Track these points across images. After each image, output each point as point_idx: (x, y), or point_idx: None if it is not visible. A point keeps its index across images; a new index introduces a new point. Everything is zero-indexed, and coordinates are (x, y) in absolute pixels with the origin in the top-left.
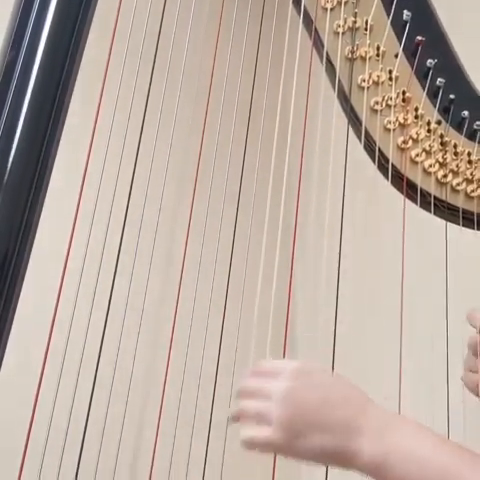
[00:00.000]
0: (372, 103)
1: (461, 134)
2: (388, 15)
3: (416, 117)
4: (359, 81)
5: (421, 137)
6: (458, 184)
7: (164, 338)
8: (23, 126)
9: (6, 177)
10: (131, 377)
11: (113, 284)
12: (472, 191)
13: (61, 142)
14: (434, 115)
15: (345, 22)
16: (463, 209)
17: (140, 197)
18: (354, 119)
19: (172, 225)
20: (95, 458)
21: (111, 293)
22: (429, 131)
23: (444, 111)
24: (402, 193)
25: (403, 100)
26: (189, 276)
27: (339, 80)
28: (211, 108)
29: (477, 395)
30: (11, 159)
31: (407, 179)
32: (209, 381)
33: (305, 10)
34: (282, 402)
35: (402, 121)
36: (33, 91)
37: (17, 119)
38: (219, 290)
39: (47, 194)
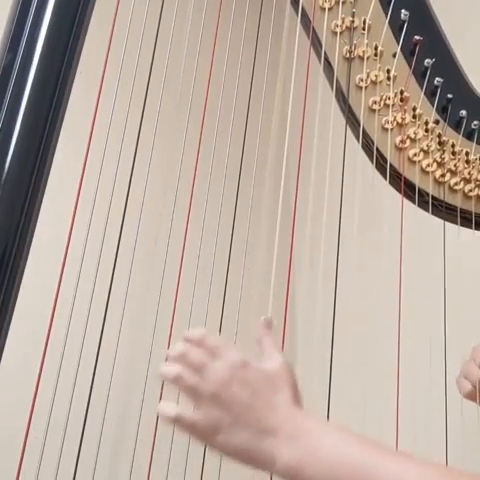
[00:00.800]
0: (370, 103)
1: (459, 134)
2: (386, 15)
3: (414, 117)
4: (357, 81)
5: (419, 137)
6: (456, 184)
7: (163, 330)
8: (21, 128)
9: (4, 178)
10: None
11: (113, 276)
12: (470, 191)
13: (59, 142)
14: (432, 115)
15: (343, 22)
16: (461, 208)
17: (140, 187)
18: (352, 119)
19: (169, 221)
20: (94, 451)
21: (111, 286)
22: (427, 131)
23: (442, 110)
24: (400, 192)
25: (401, 100)
26: (189, 274)
27: (337, 80)
28: (209, 107)
29: (470, 398)
30: (9, 160)
31: (405, 179)
32: None
33: (303, 10)
34: (216, 390)
35: (400, 121)
36: (30, 93)
37: (15, 121)
38: (218, 287)
39: (46, 194)
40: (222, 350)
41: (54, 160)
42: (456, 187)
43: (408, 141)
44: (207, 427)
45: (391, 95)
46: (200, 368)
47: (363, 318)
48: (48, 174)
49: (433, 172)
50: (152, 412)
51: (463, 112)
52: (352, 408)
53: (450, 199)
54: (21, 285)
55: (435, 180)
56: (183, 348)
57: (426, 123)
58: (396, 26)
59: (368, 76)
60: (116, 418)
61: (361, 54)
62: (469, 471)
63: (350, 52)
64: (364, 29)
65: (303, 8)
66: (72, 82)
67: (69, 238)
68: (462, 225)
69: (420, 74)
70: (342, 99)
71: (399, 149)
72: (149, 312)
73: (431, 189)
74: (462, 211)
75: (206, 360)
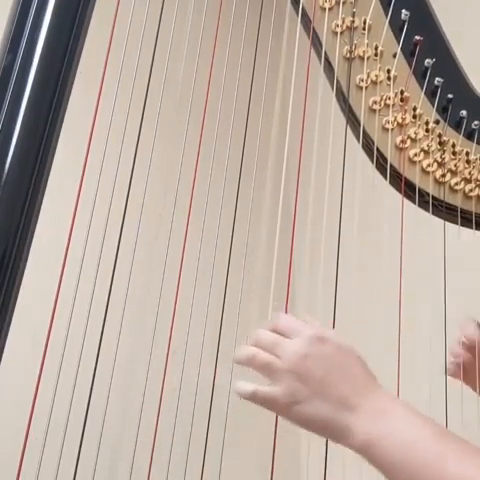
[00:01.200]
0: (370, 103)
1: (459, 134)
2: (386, 15)
3: (414, 117)
4: (357, 81)
5: (419, 137)
6: (456, 184)
7: (164, 328)
8: (21, 129)
9: (4, 179)
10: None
11: (112, 278)
12: (470, 191)
13: (59, 143)
14: (432, 115)
15: (343, 22)
16: (461, 209)
17: (140, 189)
18: (352, 118)
19: (169, 223)
20: (94, 453)
21: (111, 287)
22: (427, 131)
23: (442, 111)
24: (400, 193)
25: (401, 100)
26: (189, 275)
27: (337, 80)
28: (209, 108)
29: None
30: (9, 161)
31: (405, 179)
32: (209, 370)
33: (303, 10)
34: (293, 364)
35: (400, 121)
36: (30, 94)
37: (15, 122)
38: (218, 288)
39: (46, 195)
40: (296, 327)
41: (54, 161)
42: (456, 187)
43: (408, 141)
44: (285, 399)
45: (391, 95)
46: (275, 346)
47: (363, 319)
48: (48, 175)
49: (433, 172)
50: (152, 414)
51: (463, 112)
52: None
53: (450, 199)
54: (21, 286)
55: (435, 180)
56: (266, 336)
57: (426, 123)
58: (396, 26)
59: (368, 76)
60: (116, 419)
61: (361, 54)
62: None
63: (350, 52)
64: (364, 29)
65: (303, 8)
66: (72, 83)
67: (69, 239)
68: (462, 225)
69: (420, 74)
70: (342, 99)
71: (399, 149)
72: (149, 314)
73: (431, 189)
74: (462, 211)
75: (280, 339)
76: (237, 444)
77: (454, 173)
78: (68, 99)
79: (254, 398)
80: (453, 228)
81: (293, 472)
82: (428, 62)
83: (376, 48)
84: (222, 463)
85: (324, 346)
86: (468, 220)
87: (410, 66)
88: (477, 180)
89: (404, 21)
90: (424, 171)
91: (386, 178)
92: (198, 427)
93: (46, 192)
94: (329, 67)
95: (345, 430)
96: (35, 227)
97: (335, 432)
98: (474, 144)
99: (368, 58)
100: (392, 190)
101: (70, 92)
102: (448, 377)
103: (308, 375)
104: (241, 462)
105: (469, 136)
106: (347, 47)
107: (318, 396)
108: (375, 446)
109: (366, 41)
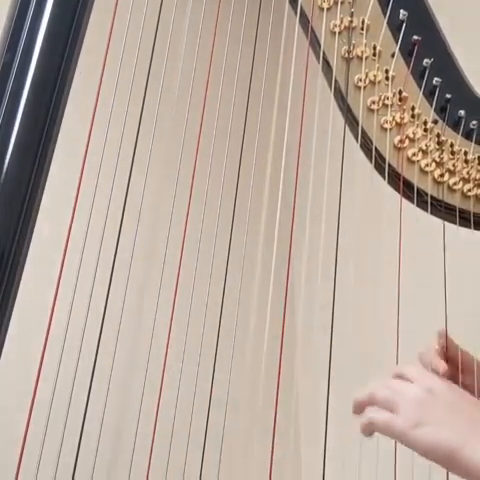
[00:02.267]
0: (369, 102)
1: (458, 133)
2: (384, 15)
3: (413, 116)
4: (356, 81)
5: (418, 136)
6: (455, 183)
7: (163, 325)
8: (20, 127)
9: (3, 177)
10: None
11: (111, 275)
12: (468, 190)
13: (58, 141)
14: (430, 114)
15: (341, 22)
16: (460, 208)
17: (140, 174)
18: (351, 118)
19: (167, 229)
20: (93, 450)
21: (109, 285)
22: (426, 130)
23: (441, 110)
24: (399, 192)
25: (400, 99)
26: (188, 273)
27: (336, 80)
28: (207, 106)
29: None
30: (8, 158)
31: (404, 178)
32: (209, 369)
33: (301, 10)
34: (415, 397)
35: (399, 120)
36: (29, 92)
37: (14, 120)
38: (217, 287)
39: (45, 191)
40: (424, 376)
41: (53, 158)
42: (455, 187)
43: (407, 141)
44: (405, 423)
45: (390, 95)
46: (401, 391)
47: (362, 318)
48: (47, 172)
49: (432, 172)
50: (152, 411)
51: (462, 112)
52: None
53: (449, 199)
54: (20, 283)
55: (434, 180)
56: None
57: (425, 123)
58: (395, 26)
59: (367, 76)
60: (116, 417)
61: (360, 54)
62: None
63: (349, 52)
64: (363, 29)
65: (302, 8)
66: (71, 80)
67: (68, 235)
68: (461, 225)
69: (419, 74)
70: (341, 99)
71: (398, 149)
72: (147, 318)
73: (430, 189)
74: (461, 211)
75: (402, 382)
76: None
77: (452, 173)
78: (67, 97)
79: (373, 426)
80: (452, 228)
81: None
82: (426, 62)
83: (374, 48)
84: (220, 461)
85: (450, 386)
86: (466, 220)
87: (408, 66)
88: (475, 180)
89: (402, 21)
90: (422, 171)
91: (384, 178)
92: (198, 419)
93: (45, 189)
94: (327, 67)
95: (471, 452)
96: (34, 224)
97: (456, 454)
98: (472, 144)
99: (366, 58)
100: (390, 190)
101: (69, 89)
102: None
103: (430, 405)
104: (239, 459)
105: (467, 136)
106: (345, 47)
107: (442, 422)
108: None
109: (364, 41)
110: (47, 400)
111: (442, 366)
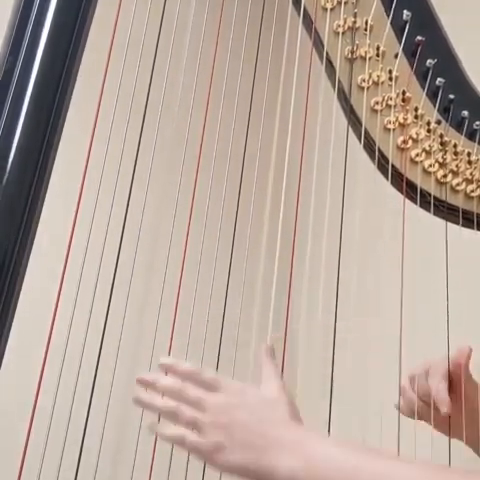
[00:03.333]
0: (372, 103)
1: (461, 134)
2: (388, 15)
3: (416, 117)
4: (359, 81)
5: (421, 137)
6: (458, 184)
7: (163, 344)
8: (22, 132)
9: (5, 182)
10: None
11: (111, 291)
12: (472, 191)
13: (60, 145)
14: (434, 115)
15: (345, 22)
16: (463, 209)
17: (140, 196)
18: (354, 119)
19: (168, 239)
20: (95, 456)
21: (109, 301)
22: (429, 131)
23: (444, 111)
24: (402, 193)
25: (403, 100)
26: (190, 278)
27: (339, 80)
28: (210, 109)
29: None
30: (10, 164)
31: (407, 179)
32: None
33: (305, 10)
34: (215, 417)
35: (402, 121)
36: (31, 96)
37: (16, 125)
38: (218, 293)
39: (46, 199)
40: (219, 382)
41: (55, 165)
42: (458, 188)
43: (410, 141)
44: (208, 449)
45: (393, 96)
46: (198, 402)
47: (364, 317)
48: (49, 177)
49: (435, 172)
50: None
51: (465, 113)
52: (353, 418)
53: (452, 200)
54: (21, 292)
55: (437, 180)
56: (175, 384)
57: (428, 123)
58: (398, 27)
59: (370, 76)
60: (116, 435)
61: (363, 54)
62: (461, 468)
63: (352, 52)
64: (366, 29)
65: (305, 8)
66: (73, 86)
67: (70, 244)
68: (464, 226)
69: (422, 75)
70: (344, 99)
71: (401, 149)
72: (147, 336)
73: (433, 189)
74: (464, 212)
75: (203, 394)
76: None
77: (456, 173)
78: (69, 102)
79: (182, 444)
80: (454, 228)
81: None
82: (430, 62)
83: (378, 48)
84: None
85: (245, 397)
86: (469, 220)
87: (412, 66)
88: (478, 181)
89: (406, 21)
90: (426, 171)
91: (387, 178)
92: None
93: (47, 197)
94: (331, 67)
95: (269, 469)
96: (35, 233)
97: (260, 474)
98: (476, 145)
99: (370, 58)
100: (393, 190)
101: (71, 95)
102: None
103: (229, 425)
104: None
105: (471, 137)
106: (349, 47)
107: (239, 444)
108: (298, 476)
109: (368, 41)
110: (47, 415)
111: (446, 405)
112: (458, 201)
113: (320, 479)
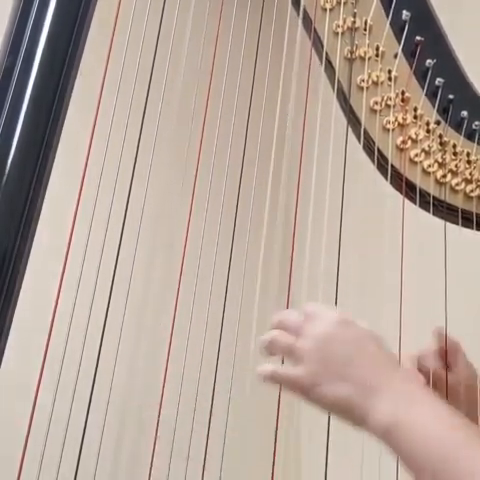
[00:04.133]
0: (371, 103)
1: (460, 134)
2: (387, 15)
3: (415, 117)
4: (358, 81)
5: (420, 137)
6: (457, 184)
7: (163, 332)
8: (21, 131)
9: (4, 182)
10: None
11: (111, 288)
12: (471, 191)
13: (59, 145)
14: (433, 115)
15: (344, 22)
16: (462, 209)
17: (140, 194)
18: (353, 119)
19: (171, 228)
20: (95, 455)
21: (111, 290)
22: (428, 131)
23: (443, 111)
24: (401, 193)
25: (402, 100)
26: (188, 279)
27: (338, 80)
28: (210, 108)
29: None
30: (9, 163)
31: (406, 179)
32: (209, 380)
33: (304, 10)
34: (315, 346)
35: (401, 121)
36: (31, 96)
37: (15, 124)
38: (218, 290)
39: (45, 198)
40: (319, 311)
41: (54, 163)
42: (457, 188)
43: (409, 142)
44: (306, 380)
45: (392, 96)
46: (297, 329)
47: (364, 318)
48: (49, 177)
49: (434, 173)
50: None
51: (464, 113)
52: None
53: (451, 200)
54: (21, 290)
55: (436, 181)
56: (290, 318)
57: (427, 124)
58: (397, 27)
59: (369, 77)
60: (115, 437)
61: (362, 55)
62: None
63: (351, 53)
64: (365, 30)
65: (304, 9)
66: (73, 85)
67: (69, 243)
68: (463, 226)
69: (421, 75)
70: (343, 99)
71: (400, 150)
72: (147, 333)
73: (432, 190)
74: (463, 212)
75: (303, 323)
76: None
77: (455, 174)
78: (69, 101)
79: (274, 378)
80: (454, 228)
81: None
82: (429, 63)
83: (377, 49)
84: (222, 461)
85: (347, 330)
86: (469, 220)
87: (411, 67)
88: (478, 181)
89: (405, 21)
90: (425, 171)
91: (387, 178)
92: (199, 422)
93: (46, 195)
94: (330, 67)
95: (367, 412)
96: (35, 231)
97: (357, 414)
98: (475, 145)
99: (369, 59)
100: (393, 190)
101: (71, 94)
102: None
103: (331, 357)
104: (241, 460)
105: (470, 137)
106: (348, 48)
107: (340, 378)
108: (397, 430)
109: (367, 42)
110: (47, 413)
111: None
112: (457, 201)
113: (411, 443)
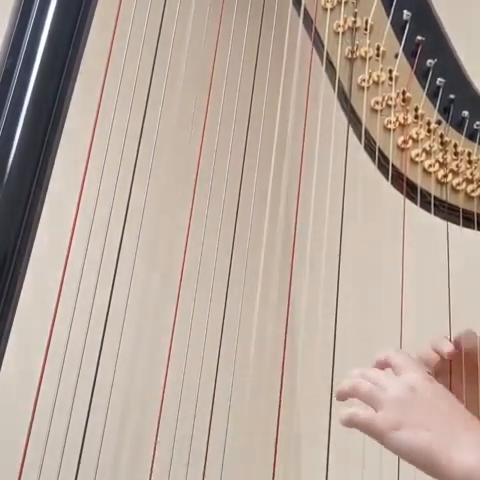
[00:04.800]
0: (372, 103)
1: (461, 134)
2: (388, 15)
3: (416, 117)
4: (359, 81)
5: (421, 137)
6: (458, 184)
7: (163, 338)
8: (22, 133)
9: (4, 184)
10: (131, 374)
11: (113, 283)
12: (472, 191)
13: (60, 146)
14: (434, 115)
15: (345, 22)
16: (463, 209)
17: (140, 198)
18: (354, 119)
19: (171, 230)
20: (96, 454)
21: (111, 294)
22: (429, 131)
23: (444, 111)
24: (402, 193)
25: (403, 100)
26: (188, 285)
27: (339, 80)
28: (210, 108)
29: None
30: (9, 165)
31: (407, 179)
32: (209, 382)
33: (305, 10)
34: (399, 394)
35: (402, 121)
36: (31, 97)
37: (16, 126)
38: (218, 296)
39: (46, 199)
40: (406, 364)
41: (55, 165)
42: (458, 188)
43: (410, 141)
44: (384, 423)
45: (393, 95)
46: (379, 379)
47: (364, 319)
48: (49, 178)
49: (435, 172)
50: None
51: (465, 113)
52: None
53: (452, 199)
54: (21, 292)
55: (437, 180)
56: (372, 373)
57: (428, 123)
58: (398, 26)
59: (370, 76)
60: (116, 437)
61: (363, 54)
62: None
63: (352, 52)
64: (366, 29)
65: (305, 8)
66: (73, 86)
67: (70, 245)
68: (464, 225)
69: (422, 74)
70: (344, 99)
71: (401, 149)
72: (147, 336)
73: (433, 189)
74: (464, 211)
75: (385, 374)
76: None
77: (456, 173)
78: (69, 102)
79: (353, 421)
80: (455, 228)
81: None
82: (430, 62)
83: (378, 48)
84: (223, 462)
85: (432, 384)
86: (470, 220)
87: (412, 66)
88: (479, 180)
89: (406, 21)
90: (426, 171)
91: (388, 178)
92: (200, 422)
93: (46, 198)
94: (331, 67)
95: (444, 461)
96: (36, 232)
97: (432, 463)
98: (476, 145)
99: (370, 58)
100: (394, 190)
101: (71, 95)
102: None
103: (412, 405)
104: (241, 460)
105: (471, 137)
106: (349, 47)
107: (420, 425)
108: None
109: (368, 41)
110: (47, 412)
111: (448, 347)
112: (459, 201)
113: None
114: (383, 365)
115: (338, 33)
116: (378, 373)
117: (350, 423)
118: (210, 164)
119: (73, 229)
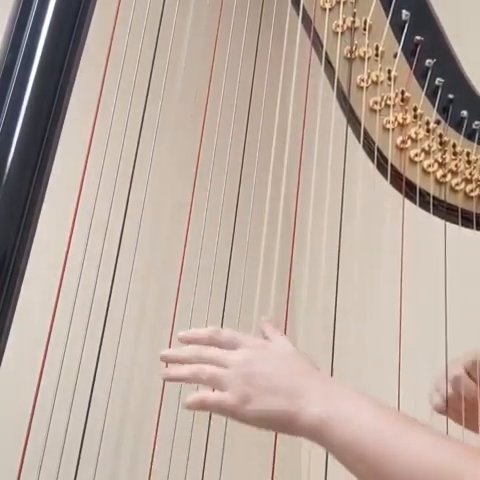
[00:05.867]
0: (371, 103)
1: (460, 134)
2: (387, 15)
3: (415, 117)
4: (358, 81)
5: (420, 137)
6: (457, 184)
7: (163, 332)
8: (22, 129)
9: (4, 181)
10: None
11: (113, 277)
12: (471, 191)
13: (59, 144)
14: (433, 115)
15: (344, 22)
16: (462, 209)
17: (140, 194)
18: (353, 119)
19: (171, 229)
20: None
21: (111, 289)
22: (428, 131)
23: (443, 111)
24: (401, 193)
25: (402, 100)
26: (188, 281)
27: (338, 80)
28: (210, 106)
29: (439, 412)
30: (9, 161)
31: (406, 179)
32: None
33: (304, 10)
34: (238, 370)
35: (401, 121)
36: (31, 93)
37: (16, 122)
38: (218, 290)
39: (45, 197)
40: (237, 339)
41: (55, 161)
42: (457, 187)
43: (409, 141)
44: (233, 401)
45: (392, 95)
46: (218, 360)
47: (364, 319)
48: (48, 177)
49: (434, 172)
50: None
51: (464, 112)
52: None
53: (451, 199)
54: (21, 288)
55: (436, 180)
56: (194, 349)
57: (427, 123)
58: (397, 26)
59: (369, 76)
60: (116, 434)
61: (362, 54)
62: None
63: (351, 52)
64: (365, 29)
65: (304, 8)
66: (73, 82)
67: (69, 241)
68: (463, 225)
69: (421, 74)
70: (343, 99)
71: (400, 149)
72: (147, 331)
73: (432, 189)
74: (463, 211)
75: (222, 352)
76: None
77: (455, 173)
78: (69, 99)
79: (204, 405)
80: (454, 228)
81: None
82: (429, 62)
83: (377, 48)
84: (222, 462)
85: (266, 350)
86: (469, 220)
87: (411, 66)
88: (478, 180)
89: (405, 21)
90: (425, 171)
91: (387, 178)
92: (200, 421)
93: (46, 194)
94: (330, 67)
95: (295, 416)
96: (35, 231)
97: (287, 421)
98: (475, 144)
99: (369, 58)
100: (393, 190)
101: (71, 92)
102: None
103: (253, 376)
104: (241, 459)
105: (470, 136)
106: (348, 47)
107: (266, 392)
108: (325, 427)
109: (367, 41)
110: (47, 412)
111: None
112: (457, 201)
113: (344, 438)
114: (208, 344)
115: (337, 33)
116: (215, 351)
117: (201, 407)
118: (210, 157)
119: (73, 223)
